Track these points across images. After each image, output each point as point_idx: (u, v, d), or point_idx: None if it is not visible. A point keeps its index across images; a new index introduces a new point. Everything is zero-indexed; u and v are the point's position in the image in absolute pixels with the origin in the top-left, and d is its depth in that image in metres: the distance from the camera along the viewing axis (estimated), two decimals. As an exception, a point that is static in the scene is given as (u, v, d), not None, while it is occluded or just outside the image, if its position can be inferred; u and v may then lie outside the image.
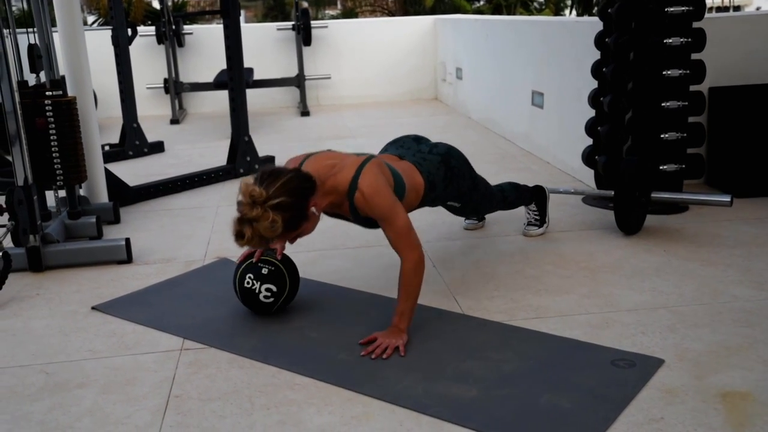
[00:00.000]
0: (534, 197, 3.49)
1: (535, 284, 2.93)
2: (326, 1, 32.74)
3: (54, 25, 3.96)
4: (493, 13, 21.91)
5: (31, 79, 3.69)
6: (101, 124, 7.69)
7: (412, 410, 2.05)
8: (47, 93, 3.55)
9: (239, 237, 2.19)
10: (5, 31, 3.18)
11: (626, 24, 3.75)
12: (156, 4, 25.68)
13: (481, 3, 24.38)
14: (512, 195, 3.31)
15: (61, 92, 3.59)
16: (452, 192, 2.83)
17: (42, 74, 3.69)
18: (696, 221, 3.64)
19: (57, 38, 3.93)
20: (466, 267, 3.15)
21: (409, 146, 2.85)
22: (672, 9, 3.62)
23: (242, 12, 37.04)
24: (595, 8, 18.16)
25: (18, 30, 3.61)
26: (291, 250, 3.36)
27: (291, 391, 2.18)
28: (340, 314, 2.70)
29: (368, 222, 2.53)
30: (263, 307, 2.64)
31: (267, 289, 2.61)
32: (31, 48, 3.55)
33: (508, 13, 22.23)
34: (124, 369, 2.37)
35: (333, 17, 27.30)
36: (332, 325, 2.60)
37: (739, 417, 1.96)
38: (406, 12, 24.55)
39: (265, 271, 2.61)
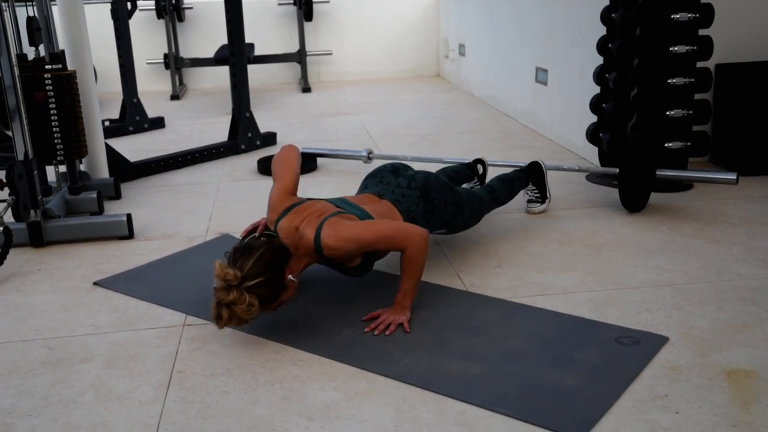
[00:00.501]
0: (530, 176, 3.45)
1: (538, 261, 2.92)
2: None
3: (53, -3, 3.91)
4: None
5: (30, 53, 3.64)
6: (101, 100, 7.64)
7: (416, 386, 2.04)
8: (47, 67, 3.51)
9: (218, 319, 2.17)
10: (3, 4, 3.13)
11: (633, -1, 3.71)
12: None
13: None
14: (504, 192, 3.21)
15: (60, 66, 3.55)
16: (435, 223, 2.78)
17: (41, 47, 3.65)
18: (701, 199, 3.62)
19: (56, 11, 3.88)
20: (468, 244, 3.13)
21: (388, 181, 2.82)
22: (679, -16, 3.57)
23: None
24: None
25: (17, 3, 3.57)
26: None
27: (295, 367, 2.17)
28: (343, 291, 2.68)
29: (357, 270, 2.50)
30: None
31: None
32: (30, 21, 3.51)
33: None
34: (127, 344, 2.36)
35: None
36: (336, 302, 2.59)
37: (744, 394, 1.95)
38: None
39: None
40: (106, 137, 5.64)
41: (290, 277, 2.29)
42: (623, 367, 2.10)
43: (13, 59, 3.17)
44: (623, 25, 3.73)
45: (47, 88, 3.50)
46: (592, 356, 2.17)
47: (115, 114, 6.32)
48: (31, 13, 3.62)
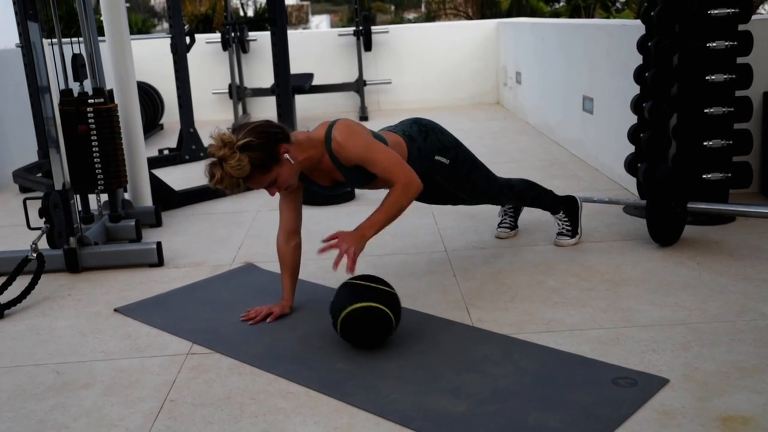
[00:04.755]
0: (563, 206, 3.40)
1: (552, 296, 2.85)
2: (409, 5, 32.89)
3: (101, 34, 4.10)
4: (571, 15, 21.46)
5: (76, 88, 3.82)
6: (168, 128, 7.96)
7: (396, 423, 2.03)
8: (89, 101, 3.68)
9: (211, 178, 2.34)
10: (45, 41, 3.31)
11: (669, 27, 3.62)
12: (241, 11, 26.43)
13: (560, 4, 23.94)
14: (520, 185, 3.26)
15: (102, 100, 3.71)
16: (433, 143, 2.86)
17: (86, 82, 3.82)
18: (740, 233, 3.47)
19: (104, 48, 4.07)
20: (486, 277, 3.09)
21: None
22: (716, 11, 3.47)
23: (327, 16, 37.44)
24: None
25: (64, 40, 3.76)
26: (317, 254, 3.37)
27: (282, 400, 2.19)
28: (349, 322, 2.69)
29: (358, 176, 2.60)
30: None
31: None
32: (75, 57, 3.69)
33: (587, 15, 21.74)
34: (130, 371, 2.43)
35: (411, 21, 27.35)
36: (337, 335, 2.59)
37: (736, 444, 1.86)
38: (483, 15, 24.37)
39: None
40: (163, 166, 5.88)
41: (286, 155, 2.41)
42: (613, 409, 2.03)
43: (54, 94, 3.34)
44: (658, 54, 3.64)
45: (89, 121, 3.67)
46: (584, 397, 2.10)
47: (175, 143, 6.53)
48: (78, 50, 3.81)
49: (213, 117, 8.32)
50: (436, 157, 2.87)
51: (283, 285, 2.80)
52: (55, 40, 3.78)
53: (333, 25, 34.43)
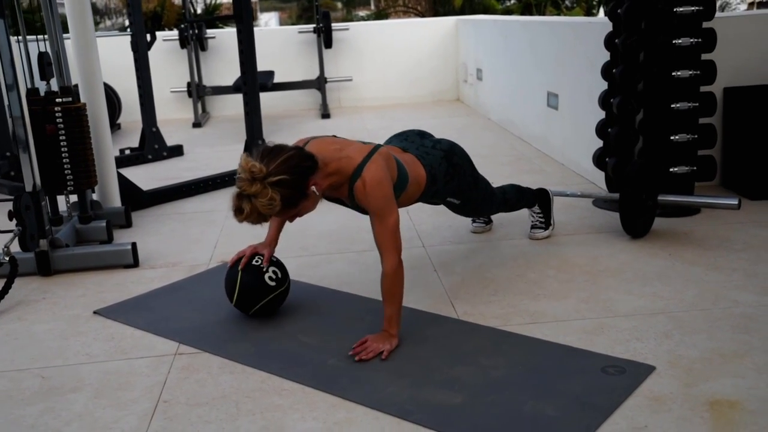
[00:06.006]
0: (537, 199, 3.46)
1: (534, 289, 2.90)
2: (359, 2, 32.82)
3: (66, 31, 4.02)
4: (522, 13, 21.70)
5: (42, 87, 3.74)
6: (126, 128, 7.84)
7: (395, 416, 2.05)
8: (57, 100, 3.61)
9: (238, 212, 2.20)
10: (12, 39, 3.23)
11: (635, 24, 3.70)
12: (191, 8, 26.04)
13: (511, 2, 24.17)
14: (513, 197, 3.30)
15: (70, 99, 3.64)
16: (452, 188, 2.85)
17: (53, 81, 3.75)
18: (707, 224, 3.58)
19: (69, 45, 3.99)
20: (466, 271, 3.13)
21: (413, 140, 2.87)
22: (681, 9, 3.56)
23: (275, 14, 37.06)
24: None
25: (29, 37, 3.68)
26: (295, 252, 3.39)
27: (278, 397, 2.19)
28: (336, 319, 2.70)
29: (362, 212, 2.54)
30: (263, 290, 2.62)
31: (274, 272, 2.64)
32: (41, 56, 3.61)
33: (539, 13, 22.01)
34: (118, 373, 2.40)
35: (364, 18, 27.34)
36: (326, 331, 2.60)
37: (726, 426, 1.92)
38: (435, 12, 24.48)
39: (274, 259, 2.69)
40: (125, 166, 5.79)
41: (313, 188, 2.30)
42: (605, 397, 2.09)
43: (22, 93, 3.26)
44: (625, 51, 3.73)
45: (57, 120, 3.59)
46: (576, 386, 2.15)
47: (136, 142, 6.44)
48: (43, 48, 3.73)
49: (172, 116, 8.23)
50: (449, 198, 2.91)
51: (270, 227, 2.73)
52: (19, 38, 3.69)
53: (282, 22, 34.17)
